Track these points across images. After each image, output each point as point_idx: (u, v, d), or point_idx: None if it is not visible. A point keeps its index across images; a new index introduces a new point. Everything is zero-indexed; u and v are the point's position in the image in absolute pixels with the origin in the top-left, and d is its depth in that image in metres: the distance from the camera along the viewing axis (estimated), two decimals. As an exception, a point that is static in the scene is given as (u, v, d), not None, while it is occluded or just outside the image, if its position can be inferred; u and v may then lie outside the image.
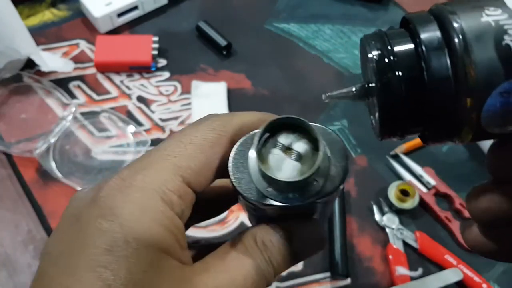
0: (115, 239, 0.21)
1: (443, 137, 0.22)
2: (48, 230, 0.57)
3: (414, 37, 0.21)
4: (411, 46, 0.21)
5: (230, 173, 0.23)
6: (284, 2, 0.80)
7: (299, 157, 0.23)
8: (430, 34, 0.20)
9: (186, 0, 0.79)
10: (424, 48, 0.20)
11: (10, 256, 0.56)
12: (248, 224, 0.59)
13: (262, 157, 0.23)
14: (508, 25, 0.19)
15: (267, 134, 0.23)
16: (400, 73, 0.20)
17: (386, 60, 0.21)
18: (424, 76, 0.20)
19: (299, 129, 0.23)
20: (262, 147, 0.23)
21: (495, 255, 0.25)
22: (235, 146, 0.24)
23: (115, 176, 0.23)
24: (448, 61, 0.20)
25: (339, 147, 0.24)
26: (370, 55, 0.21)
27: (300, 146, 0.23)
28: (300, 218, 0.25)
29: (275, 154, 0.23)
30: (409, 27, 0.21)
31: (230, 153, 0.25)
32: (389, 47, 0.21)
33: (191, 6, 0.79)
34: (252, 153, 0.24)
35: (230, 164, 0.24)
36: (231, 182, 0.24)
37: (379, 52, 0.21)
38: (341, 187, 0.24)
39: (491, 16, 0.19)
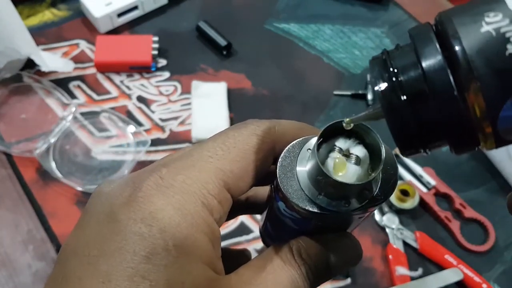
0: (155, 245, 0.20)
1: (466, 149, 0.21)
2: (48, 230, 0.57)
3: (417, 55, 0.20)
4: (413, 67, 0.20)
5: (279, 180, 0.23)
6: (284, 2, 0.80)
7: (359, 161, 0.22)
8: (430, 53, 0.19)
9: (186, 0, 0.79)
10: (425, 70, 0.19)
11: (10, 256, 0.56)
12: (248, 224, 0.59)
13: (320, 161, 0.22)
14: (510, 32, 0.18)
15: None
16: (405, 97, 0.20)
17: (388, 85, 0.20)
18: (430, 98, 0.19)
19: (354, 134, 0.22)
20: (317, 152, 0.22)
21: None
22: (282, 154, 0.23)
23: (152, 173, 0.22)
24: (452, 80, 0.19)
25: (389, 157, 0.23)
26: (372, 80, 0.21)
27: (359, 150, 0.22)
28: (337, 232, 0.25)
29: (335, 158, 0.22)
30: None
31: (270, 160, 0.24)
32: (391, 70, 0.20)
33: (191, 6, 0.78)
34: (302, 161, 0.23)
35: (278, 172, 0.23)
36: (275, 189, 0.23)
37: (382, 78, 0.20)
38: (389, 198, 0.23)
39: (491, 24, 0.18)
